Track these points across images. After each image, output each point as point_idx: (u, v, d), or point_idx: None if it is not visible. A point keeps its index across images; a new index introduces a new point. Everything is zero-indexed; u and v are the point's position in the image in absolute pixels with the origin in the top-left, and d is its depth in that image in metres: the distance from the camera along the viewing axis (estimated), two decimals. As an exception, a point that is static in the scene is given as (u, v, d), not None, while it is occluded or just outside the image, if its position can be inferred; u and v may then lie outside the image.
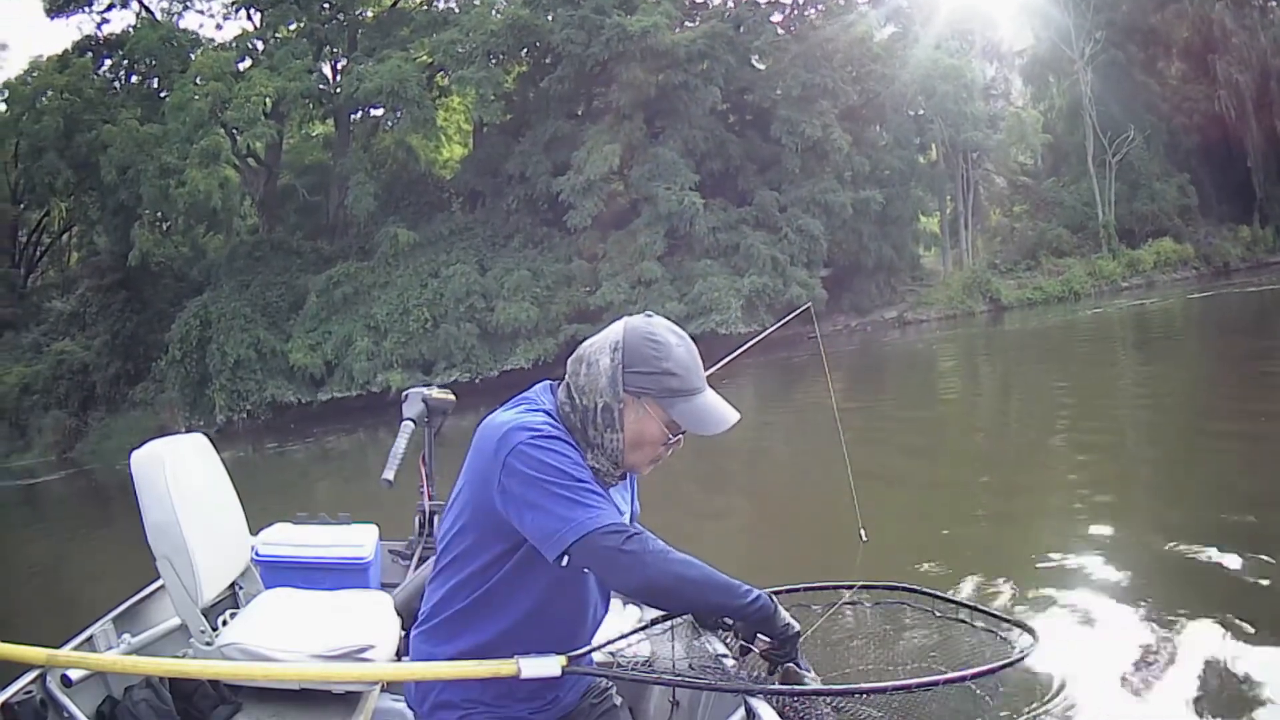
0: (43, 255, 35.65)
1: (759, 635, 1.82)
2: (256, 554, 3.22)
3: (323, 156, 30.30)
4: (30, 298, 33.01)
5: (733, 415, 1.75)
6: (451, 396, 3.60)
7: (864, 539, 2.42)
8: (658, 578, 1.62)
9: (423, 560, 3.36)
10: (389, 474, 3.26)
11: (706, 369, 1.83)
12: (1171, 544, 5.23)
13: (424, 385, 3.72)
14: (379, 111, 27.03)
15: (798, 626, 1.81)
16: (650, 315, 1.80)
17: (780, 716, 1.80)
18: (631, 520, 1.93)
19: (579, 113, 26.82)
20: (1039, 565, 5.24)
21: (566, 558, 1.62)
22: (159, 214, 26.92)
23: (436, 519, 3.47)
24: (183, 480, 2.61)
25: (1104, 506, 6.23)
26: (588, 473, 1.69)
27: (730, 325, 24.01)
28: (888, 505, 7.16)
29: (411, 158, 27.86)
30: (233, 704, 2.61)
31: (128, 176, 26.03)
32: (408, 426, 3.42)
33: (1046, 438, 9.14)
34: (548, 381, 1.85)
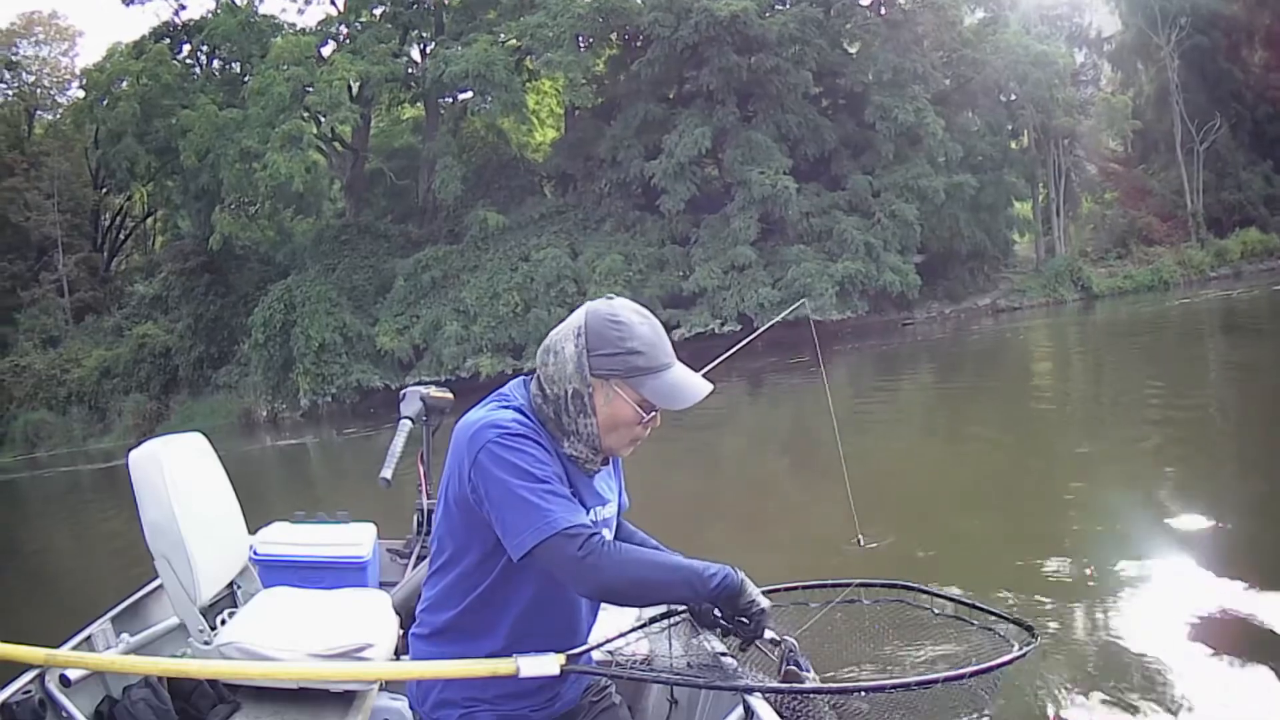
0: (126, 239, 35.77)
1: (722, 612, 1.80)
2: (255, 553, 3.21)
3: (412, 140, 30.17)
4: (113, 281, 33.12)
5: (704, 388, 1.74)
6: (449, 395, 3.62)
7: (861, 545, 2.54)
8: (613, 582, 1.63)
9: (421, 559, 3.38)
10: (387, 473, 3.26)
11: (704, 366, 1.85)
12: (1209, 552, 4.95)
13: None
14: (467, 95, 26.76)
15: (764, 604, 1.76)
16: (612, 298, 1.78)
17: (778, 715, 1.82)
18: (620, 513, 1.95)
19: (670, 96, 26.52)
20: (1071, 565, 5.02)
21: (531, 559, 1.62)
22: (243, 198, 26.82)
23: (435, 517, 3.42)
24: (181, 480, 2.60)
25: (1157, 513, 5.87)
26: (554, 470, 1.67)
27: (824, 312, 23.68)
28: (933, 502, 7.08)
29: (503, 141, 27.65)
30: (231, 703, 2.60)
31: (207, 161, 26.01)
32: (405, 425, 3.44)
33: (1122, 441, 8.62)
34: (522, 376, 1.83)
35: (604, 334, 1.70)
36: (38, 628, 3.09)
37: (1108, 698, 3.50)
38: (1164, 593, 4.45)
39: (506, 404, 1.74)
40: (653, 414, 1.75)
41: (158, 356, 28.02)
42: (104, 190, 32.91)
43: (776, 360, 21.79)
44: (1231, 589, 4.31)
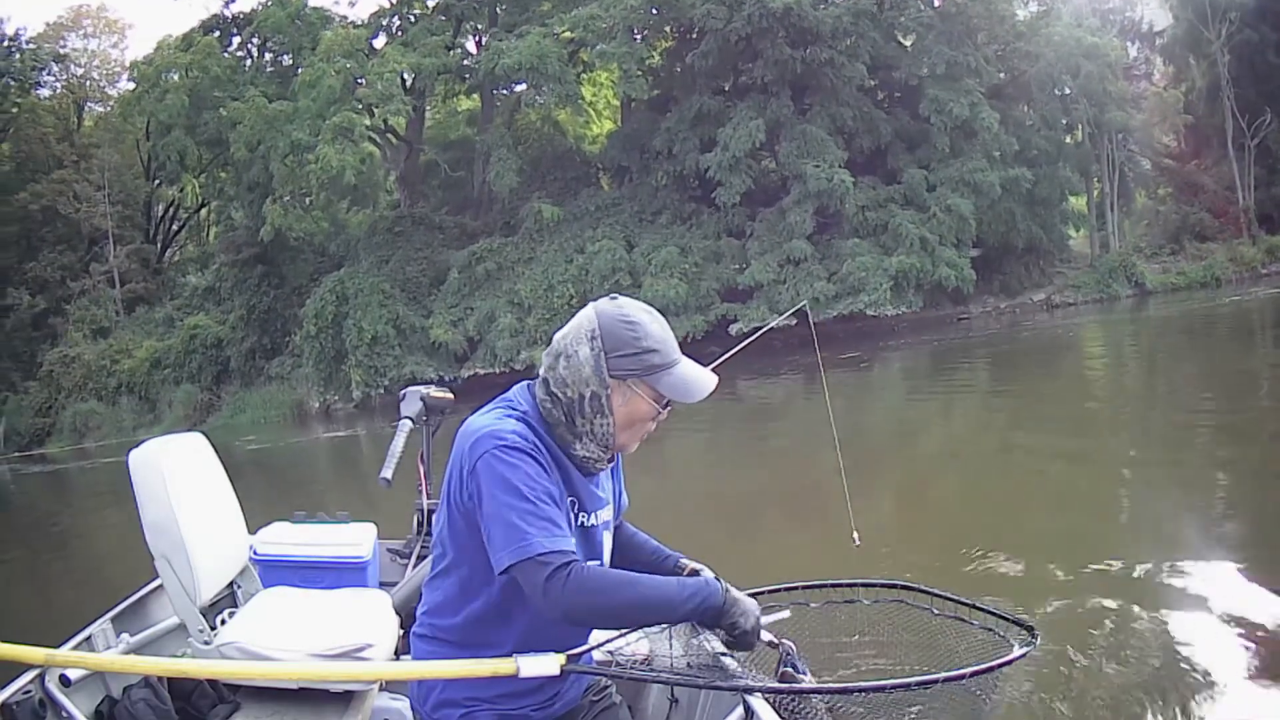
0: (179, 231, 35.95)
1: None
2: (255, 553, 3.21)
3: (468, 132, 30.19)
4: (165, 272, 33.29)
5: (712, 380, 1.80)
6: (450, 395, 3.66)
7: (857, 543, 2.48)
8: (578, 611, 1.65)
9: (421, 559, 3.42)
10: (387, 473, 3.27)
11: (710, 364, 1.90)
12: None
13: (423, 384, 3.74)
14: (522, 87, 26.76)
15: (747, 624, 1.78)
16: (615, 297, 1.81)
17: (778, 716, 1.83)
18: (618, 513, 1.97)
19: (725, 88, 26.44)
20: (1107, 572, 4.85)
21: (508, 575, 1.65)
22: (295, 190, 26.91)
23: (435, 517, 3.45)
24: (180, 480, 2.60)
25: (1204, 521, 5.69)
26: (547, 488, 1.68)
27: (879, 306, 23.66)
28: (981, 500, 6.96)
29: (559, 133, 27.60)
30: (231, 703, 2.59)
31: (258, 153, 26.09)
32: (405, 425, 3.45)
33: (1172, 445, 8.32)
34: (526, 382, 1.84)
35: (619, 335, 1.73)
36: (80, 613, 3.11)
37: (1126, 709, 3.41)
38: (1204, 606, 4.27)
39: (511, 410, 1.76)
40: (668, 406, 1.80)
41: (209, 347, 28.13)
42: (156, 182, 33.10)
43: (828, 356, 21.79)
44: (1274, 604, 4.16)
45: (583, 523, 1.82)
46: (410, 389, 3.61)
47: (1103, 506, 6.23)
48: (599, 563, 1.86)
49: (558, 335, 1.80)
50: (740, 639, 1.80)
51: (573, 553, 1.67)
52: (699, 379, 1.78)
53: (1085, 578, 4.78)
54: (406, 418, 3.46)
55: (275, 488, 15.32)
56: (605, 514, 1.88)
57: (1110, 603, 4.41)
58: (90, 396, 29.53)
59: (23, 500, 20.19)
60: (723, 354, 2.93)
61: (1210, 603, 4.22)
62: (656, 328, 1.76)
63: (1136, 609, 4.30)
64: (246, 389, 27.55)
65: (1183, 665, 3.64)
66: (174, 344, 28.41)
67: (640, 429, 1.81)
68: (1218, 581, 4.47)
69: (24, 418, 30.58)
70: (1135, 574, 4.77)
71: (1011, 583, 4.81)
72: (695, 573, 2.01)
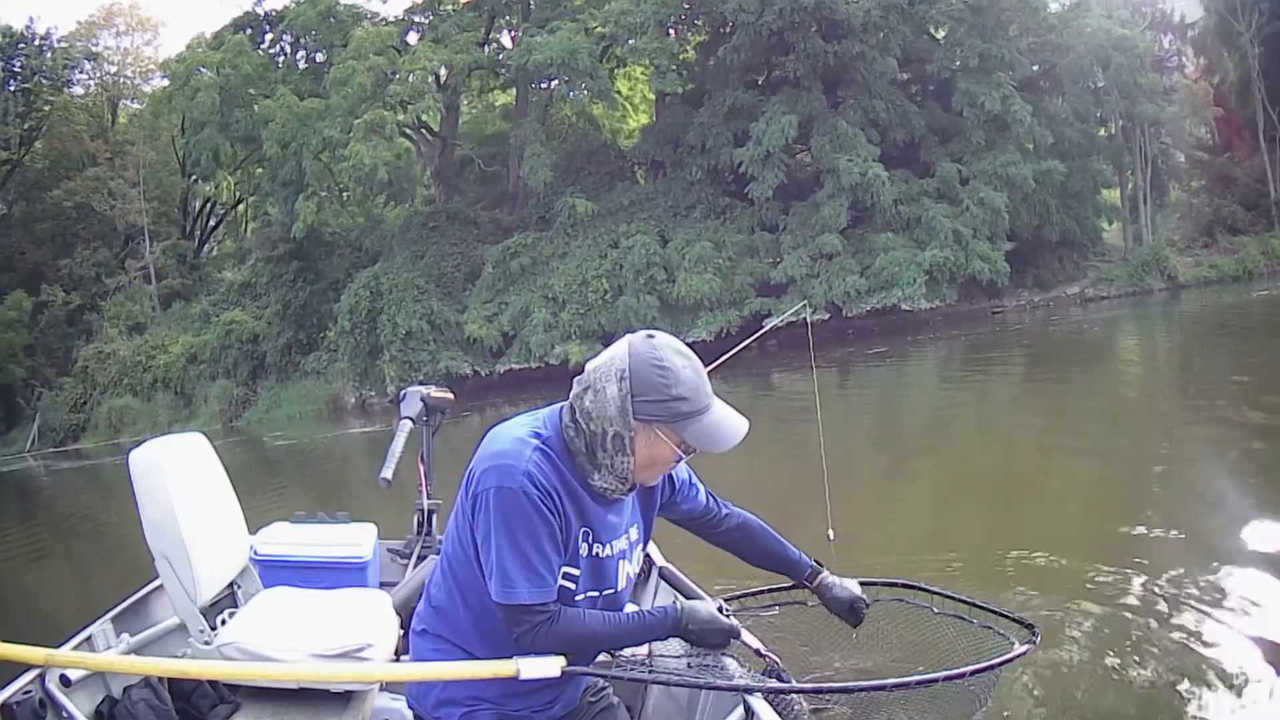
0: (217, 226, 36.18)
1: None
2: (255, 553, 3.22)
3: (504, 127, 30.27)
4: (203, 268, 33.50)
5: (742, 428, 1.75)
6: (450, 395, 3.68)
7: (831, 539, 2.47)
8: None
9: (421, 559, 3.45)
10: (387, 473, 3.26)
11: (710, 365, 1.88)
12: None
13: (420, 385, 3.75)
14: (555, 83, 26.86)
15: (716, 639, 1.84)
16: (653, 335, 1.76)
17: (778, 715, 1.85)
18: (647, 536, 1.96)
19: (759, 83, 26.52)
20: (1128, 573, 4.64)
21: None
22: (329, 186, 27.08)
23: (435, 517, 3.59)
24: (181, 480, 2.61)
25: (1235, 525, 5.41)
26: (540, 539, 1.69)
27: (913, 300, 23.70)
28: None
29: (593, 127, 27.63)
30: (231, 703, 2.60)
31: (290, 150, 26.26)
32: (405, 425, 3.44)
33: (1204, 444, 7.98)
34: (560, 405, 1.81)
35: (649, 379, 1.68)
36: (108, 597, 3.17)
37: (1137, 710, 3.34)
38: (1228, 609, 4.10)
39: (538, 433, 1.76)
40: (692, 452, 1.77)
41: (245, 343, 28.28)
42: (192, 178, 33.33)
43: (854, 350, 21.88)
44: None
45: (596, 554, 1.81)
46: (410, 389, 3.62)
47: (1130, 504, 6.06)
48: (612, 591, 1.86)
49: (590, 365, 1.77)
50: (713, 646, 1.89)
51: (550, 605, 1.72)
52: (728, 429, 1.74)
53: (1106, 576, 4.64)
54: (406, 418, 3.47)
55: (296, 484, 15.46)
56: (621, 543, 1.86)
57: (1128, 603, 4.30)
58: (125, 392, 29.75)
59: (54, 495, 20.38)
60: (723, 355, 3.06)
61: (1236, 606, 4.08)
62: (689, 374, 1.70)
63: (1156, 610, 4.19)
64: (282, 384, 27.74)
65: (1202, 668, 3.53)
66: (210, 339, 28.56)
67: (662, 468, 1.80)
68: (1244, 583, 4.31)
69: (58, 414, 30.81)
70: (1158, 573, 4.63)
71: (1028, 579, 4.72)
72: (820, 563, 2.10)
